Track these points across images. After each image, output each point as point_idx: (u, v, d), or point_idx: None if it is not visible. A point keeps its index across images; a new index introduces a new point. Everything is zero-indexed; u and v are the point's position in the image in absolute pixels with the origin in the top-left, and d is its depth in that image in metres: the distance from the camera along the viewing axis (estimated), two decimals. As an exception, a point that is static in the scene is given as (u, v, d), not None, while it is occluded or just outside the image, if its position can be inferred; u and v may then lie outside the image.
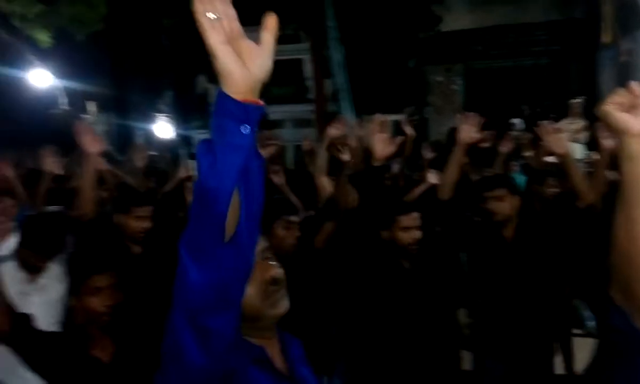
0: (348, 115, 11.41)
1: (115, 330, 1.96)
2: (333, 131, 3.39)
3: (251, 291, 1.14)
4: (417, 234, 2.74)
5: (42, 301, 2.62)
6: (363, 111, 14.59)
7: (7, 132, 13.96)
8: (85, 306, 1.89)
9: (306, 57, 17.88)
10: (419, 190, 4.00)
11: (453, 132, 12.38)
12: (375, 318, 2.71)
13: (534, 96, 12.91)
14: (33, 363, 1.90)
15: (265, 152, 2.51)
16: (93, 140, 3.10)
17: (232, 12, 0.88)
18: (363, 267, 2.76)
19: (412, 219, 2.74)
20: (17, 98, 13.38)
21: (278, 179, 4.04)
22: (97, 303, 1.89)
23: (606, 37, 9.29)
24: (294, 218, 2.66)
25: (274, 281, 1.17)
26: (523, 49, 13.48)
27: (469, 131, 3.03)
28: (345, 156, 3.04)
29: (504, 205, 2.92)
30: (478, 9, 13.50)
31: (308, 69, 18.30)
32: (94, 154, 3.10)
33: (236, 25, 0.87)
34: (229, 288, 0.91)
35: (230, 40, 0.86)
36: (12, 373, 2.29)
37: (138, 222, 2.96)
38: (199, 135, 18.99)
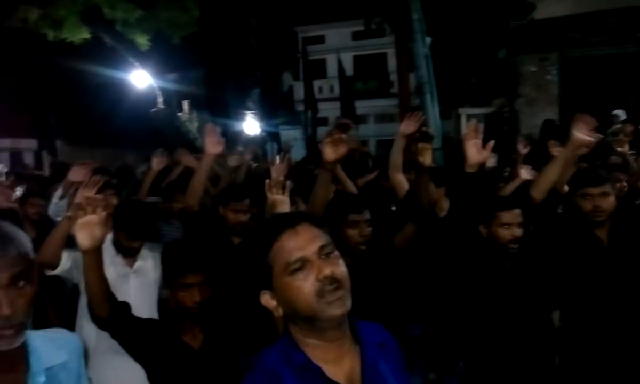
0: (432, 109, 11.15)
1: (205, 321, 2.07)
2: (407, 127, 3.09)
3: (306, 289, 1.10)
4: (517, 231, 2.59)
5: (139, 283, 2.83)
6: (448, 104, 14.24)
7: (112, 130, 15.12)
8: (177, 299, 2.03)
9: (390, 51, 17.72)
10: (512, 186, 3.82)
11: (547, 125, 11.80)
12: (476, 316, 2.63)
13: (639, 86, 11.88)
14: (130, 348, 2.06)
15: (337, 152, 2.43)
16: (216, 142, 3.24)
17: None
18: (462, 266, 2.67)
19: (513, 215, 2.60)
20: (120, 98, 14.45)
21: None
22: (188, 298, 2.00)
23: None
24: (360, 217, 2.55)
25: (332, 280, 1.10)
26: (626, 35, 12.44)
27: (582, 132, 2.74)
28: (423, 158, 2.82)
29: (609, 202, 2.69)
30: (575, -7, 12.67)
31: (392, 63, 18.12)
32: (213, 154, 3.26)
33: None
34: None
35: None
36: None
37: (236, 215, 3.10)
38: (285, 131, 19.47)
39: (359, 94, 19.31)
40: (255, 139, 15.97)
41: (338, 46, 19.49)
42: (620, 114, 9.29)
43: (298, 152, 16.32)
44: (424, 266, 3.21)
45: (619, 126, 8.57)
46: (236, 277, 2.48)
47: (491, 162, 5.91)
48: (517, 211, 2.62)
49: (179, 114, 14.90)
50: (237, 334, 2.15)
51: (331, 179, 2.55)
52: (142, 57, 13.45)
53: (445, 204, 3.52)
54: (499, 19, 13.30)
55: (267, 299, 1.17)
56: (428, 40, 11.24)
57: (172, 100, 14.71)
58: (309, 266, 1.11)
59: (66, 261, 2.66)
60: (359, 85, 21.77)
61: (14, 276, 1.11)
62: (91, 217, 1.76)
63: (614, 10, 12.37)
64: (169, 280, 2.09)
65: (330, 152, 2.40)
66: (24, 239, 1.18)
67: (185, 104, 14.98)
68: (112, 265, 2.75)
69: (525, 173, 3.82)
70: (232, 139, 15.77)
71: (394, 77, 18.42)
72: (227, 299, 2.44)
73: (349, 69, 19.62)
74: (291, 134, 19.38)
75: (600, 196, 2.68)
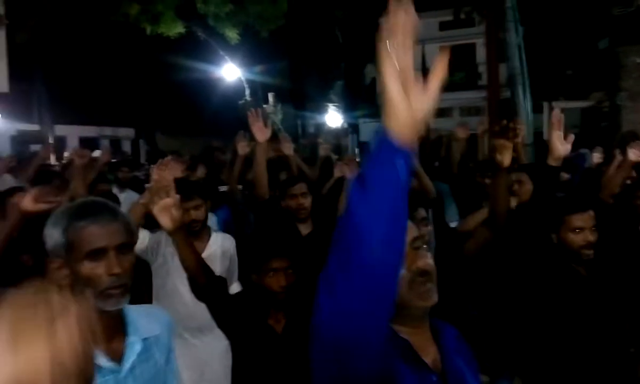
0: (523, 102, 10.61)
1: (288, 306, 2.12)
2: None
3: (400, 280, 1.11)
4: (590, 236, 2.32)
5: None
6: (541, 97, 13.49)
7: (203, 121, 15.85)
8: (264, 284, 2.08)
9: (479, 42, 17.06)
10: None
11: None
12: (548, 328, 2.43)
13: None
14: (221, 322, 2.17)
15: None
16: (261, 129, 3.29)
17: (410, 53, 0.87)
18: (533, 275, 2.45)
19: (583, 219, 2.33)
20: (210, 91, 15.09)
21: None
22: (274, 282, 2.05)
23: None
24: (422, 214, 2.45)
25: (423, 272, 1.14)
26: None
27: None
28: (501, 156, 2.46)
29: None
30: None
31: (481, 53, 17.44)
32: (263, 141, 3.32)
33: (411, 66, 0.87)
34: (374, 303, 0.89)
35: (402, 77, 0.86)
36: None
37: (294, 200, 3.12)
38: (365, 124, 19.40)
39: (445, 86, 18.82)
40: (335, 131, 16.07)
41: (424, 37, 19.07)
42: None
43: (379, 145, 16.21)
44: (489, 268, 3.05)
45: None
46: (308, 267, 2.51)
47: (597, 157, 5.55)
48: (589, 214, 2.35)
49: (265, 106, 15.30)
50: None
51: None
52: (232, 50, 13.93)
53: None
54: (601, 6, 12.38)
55: None
56: (521, 29, 10.72)
57: (258, 92, 15.13)
58: (408, 254, 1.14)
59: (142, 241, 2.72)
60: (445, 77, 21.19)
61: (122, 241, 1.26)
62: (166, 201, 1.84)
63: None
64: (256, 265, 2.14)
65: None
66: (127, 213, 1.35)
67: (271, 97, 15.35)
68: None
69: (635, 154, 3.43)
70: (315, 130, 16.00)
71: (482, 68, 17.74)
72: (305, 288, 2.48)
73: (435, 61, 19.18)
74: (371, 127, 19.30)
75: None
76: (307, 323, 2.08)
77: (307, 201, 3.13)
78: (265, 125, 3.33)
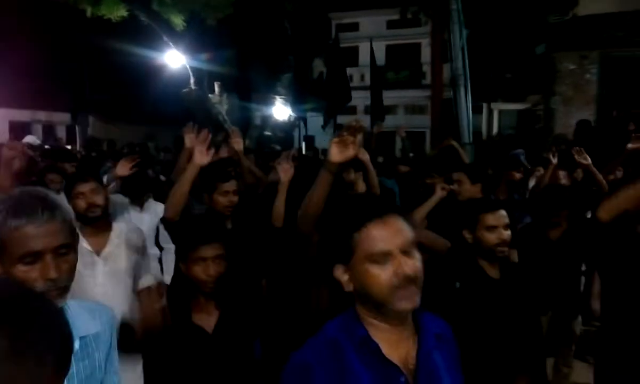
0: (464, 102, 10.95)
1: (221, 297, 2.03)
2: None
3: (383, 280, 1.16)
4: (504, 234, 2.42)
5: (109, 271, 2.54)
6: (481, 98, 13.97)
7: (144, 108, 15.34)
8: (191, 274, 1.99)
9: (424, 42, 17.45)
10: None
11: (582, 126, 11.51)
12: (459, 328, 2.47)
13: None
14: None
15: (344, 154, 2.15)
16: (202, 152, 2.88)
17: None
18: (447, 277, 2.52)
19: (496, 217, 2.43)
20: (153, 77, 14.61)
21: None
22: (202, 271, 1.96)
23: None
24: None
25: (409, 278, 1.16)
26: (673, 36, 11.95)
27: None
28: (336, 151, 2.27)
29: None
30: (621, -10, 12.18)
31: (426, 53, 17.85)
32: (200, 166, 2.91)
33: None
34: None
35: None
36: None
37: (224, 197, 3.09)
38: (312, 117, 19.42)
39: (390, 84, 19.10)
40: (282, 124, 16.00)
41: (372, 34, 19.29)
42: (661, 118, 8.97)
43: (324, 139, 16.26)
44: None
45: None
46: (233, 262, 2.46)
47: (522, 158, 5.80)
48: (502, 213, 2.46)
49: (210, 95, 14.98)
50: (255, 315, 2.11)
51: (332, 181, 2.22)
52: (176, 37, 13.54)
53: None
54: (539, 14, 12.94)
55: (341, 273, 1.23)
56: (465, 32, 11.03)
57: (204, 81, 14.80)
58: (391, 259, 1.17)
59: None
60: (391, 75, 21.53)
61: (61, 242, 1.18)
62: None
63: (661, 9, 11.89)
64: (183, 254, 2.04)
65: (336, 153, 2.14)
66: (69, 208, 1.24)
67: (217, 86, 15.05)
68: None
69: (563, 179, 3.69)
70: (262, 122, 15.83)
71: (426, 68, 18.16)
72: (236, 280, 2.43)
73: (381, 58, 19.41)
74: (319, 121, 19.34)
75: None
76: (241, 322, 2.02)
77: (235, 199, 3.13)
78: (208, 149, 2.90)
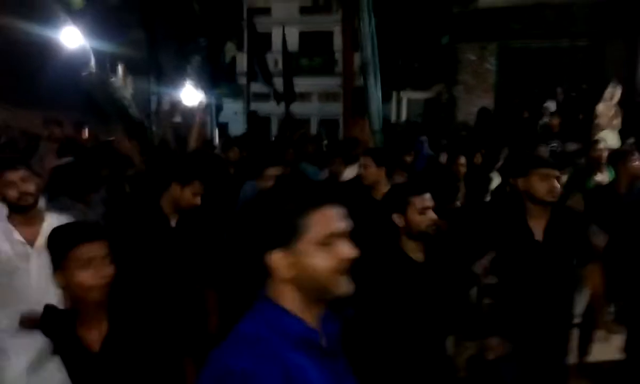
0: (375, 90, 11.18)
1: (112, 306, 1.73)
2: None
3: (329, 266, 1.17)
4: (433, 215, 2.52)
5: (42, 263, 2.39)
6: (391, 87, 14.36)
7: (39, 90, 14.18)
8: (73, 281, 1.68)
9: (337, 29, 17.58)
10: None
11: (482, 113, 12.19)
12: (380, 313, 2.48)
13: (571, 79, 12.45)
14: None
15: None
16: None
17: None
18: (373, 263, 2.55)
19: (426, 199, 2.51)
20: (49, 57, 13.54)
21: None
22: (87, 276, 1.66)
23: (651, 21, 8.83)
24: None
25: (351, 262, 1.19)
26: (562, 30, 12.94)
27: None
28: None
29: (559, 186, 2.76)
30: (518, -15, 12.98)
31: (338, 41, 18.01)
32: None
33: None
34: None
35: None
36: None
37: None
38: (226, 104, 19.00)
39: (304, 71, 19.10)
40: (192, 109, 15.47)
41: (284, 19, 19.15)
42: (551, 106, 9.70)
43: (237, 127, 15.96)
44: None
45: (547, 118, 8.97)
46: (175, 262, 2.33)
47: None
48: (429, 195, 2.55)
49: (113, 78, 14.15)
50: (151, 326, 1.79)
51: None
52: (75, 14, 12.62)
53: (384, 186, 3.55)
54: (443, 5, 13.47)
55: (279, 258, 1.18)
56: (374, 20, 11.23)
57: (106, 63, 13.95)
58: (340, 243, 1.18)
59: None
60: (304, 62, 21.54)
61: None
62: None
63: (551, 4, 12.82)
64: (59, 258, 1.68)
65: None
66: None
67: (120, 69, 14.25)
68: (8, 242, 2.44)
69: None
70: (170, 107, 15.20)
71: (339, 55, 18.36)
72: (151, 285, 2.26)
73: (294, 44, 19.36)
74: (232, 107, 18.94)
75: (556, 179, 2.76)
76: (137, 338, 1.71)
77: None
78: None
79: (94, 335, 1.69)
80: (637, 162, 3.86)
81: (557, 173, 2.79)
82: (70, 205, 3.61)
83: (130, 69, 14.39)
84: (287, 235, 1.17)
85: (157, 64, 15.09)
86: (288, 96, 11.29)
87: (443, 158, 5.33)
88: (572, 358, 3.09)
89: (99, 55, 13.66)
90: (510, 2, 13.16)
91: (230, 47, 21.65)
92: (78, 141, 6.43)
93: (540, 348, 2.83)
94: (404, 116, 16.27)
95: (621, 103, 8.55)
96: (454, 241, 3.42)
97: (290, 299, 1.18)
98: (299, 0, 20.66)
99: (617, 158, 4.05)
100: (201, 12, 16.45)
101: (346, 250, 1.18)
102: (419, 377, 2.45)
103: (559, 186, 2.77)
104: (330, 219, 1.18)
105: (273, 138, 11.45)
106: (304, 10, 21.12)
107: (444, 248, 2.65)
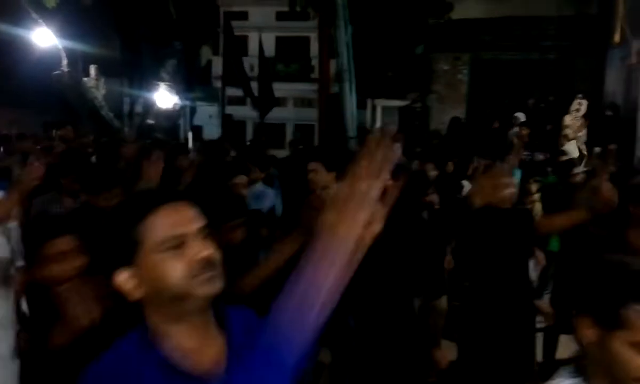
0: (350, 97, 11.29)
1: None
2: None
3: (178, 270, 1.05)
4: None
5: None
6: (365, 94, 14.50)
7: (9, 89, 13.85)
8: (47, 277, 1.70)
9: (313, 35, 17.67)
10: None
11: (454, 122, 12.39)
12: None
13: (540, 91, 12.80)
14: None
15: None
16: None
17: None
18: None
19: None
20: (20, 56, 13.25)
21: None
22: (59, 269, 1.68)
23: (617, 36, 9.16)
24: None
25: (206, 262, 1.06)
26: (532, 43, 13.31)
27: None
28: None
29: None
30: (490, -2, 13.31)
31: (314, 47, 18.10)
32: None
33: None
34: None
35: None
36: None
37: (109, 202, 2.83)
38: (201, 107, 18.87)
39: (280, 76, 19.10)
40: (167, 112, 15.35)
41: (261, 25, 19.15)
42: (520, 116, 9.95)
43: (212, 130, 15.88)
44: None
45: (517, 128, 9.19)
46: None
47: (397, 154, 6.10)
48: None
49: (85, 79, 13.93)
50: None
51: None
52: (47, 14, 12.41)
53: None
54: (418, 15, 13.68)
55: (126, 279, 1.07)
56: (350, 28, 11.34)
57: (79, 63, 13.73)
58: (186, 245, 1.06)
59: None
60: (281, 67, 21.55)
61: None
62: None
63: (522, 17, 13.17)
64: (32, 255, 1.73)
65: None
66: None
67: (93, 69, 14.03)
68: None
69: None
70: (143, 109, 15.05)
71: (315, 62, 18.43)
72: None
73: (271, 50, 19.33)
74: (207, 111, 18.83)
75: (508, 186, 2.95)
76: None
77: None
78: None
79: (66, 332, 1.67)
80: (579, 176, 4.01)
81: (509, 180, 2.95)
82: (58, 200, 3.58)
83: (103, 71, 14.16)
84: (127, 251, 1.07)
85: (131, 66, 14.93)
86: (267, 101, 11.27)
87: (415, 165, 5.41)
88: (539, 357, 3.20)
89: (71, 55, 13.46)
90: (482, 14, 13.47)
91: (205, 51, 21.55)
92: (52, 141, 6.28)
93: (508, 348, 2.92)
94: (378, 124, 16.44)
95: (588, 115, 8.84)
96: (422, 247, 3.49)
97: (155, 322, 1.09)
98: (276, 6, 20.69)
99: (562, 170, 4.21)
100: (177, 16, 16.35)
101: (195, 250, 1.06)
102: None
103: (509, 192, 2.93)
104: (170, 220, 1.07)
105: (248, 142, 11.41)
106: (280, 16, 21.13)
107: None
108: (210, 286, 1.06)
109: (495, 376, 2.93)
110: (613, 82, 11.42)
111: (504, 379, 2.92)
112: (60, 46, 12.90)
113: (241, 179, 3.78)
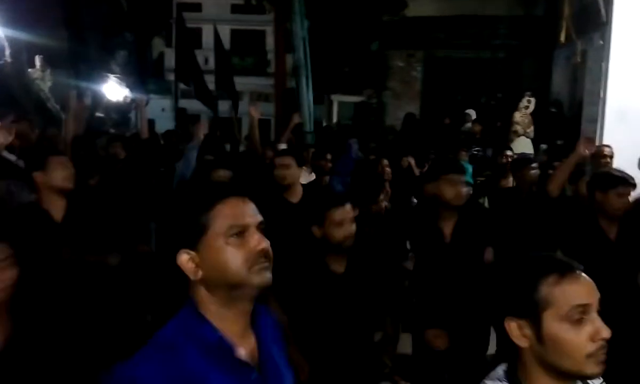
0: (306, 92, 11.26)
1: (16, 309, 1.61)
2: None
3: (239, 258, 1.14)
4: (350, 228, 2.48)
5: None
6: (322, 89, 14.53)
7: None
8: None
9: (269, 29, 17.53)
10: None
11: (408, 118, 12.58)
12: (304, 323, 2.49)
13: (490, 89, 13.17)
14: None
15: None
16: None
17: None
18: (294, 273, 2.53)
19: (343, 212, 2.47)
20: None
21: None
22: None
23: (562, 36, 9.52)
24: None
25: (265, 254, 1.16)
26: (483, 42, 13.65)
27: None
28: None
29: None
30: (444, -3, 13.55)
31: (270, 41, 17.97)
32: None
33: None
34: None
35: None
36: None
37: None
38: (152, 100, 18.38)
39: (236, 70, 18.85)
40: (116, 106, 14.87)
41: (215, 17, 18.82)
42: (472, 113, 10.21)
43: (165, 124, 15.49)
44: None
45: (469, 124, 9.43)
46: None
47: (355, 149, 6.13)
48: (348, 207, 2.50)
49: (30, 70, 13.31)
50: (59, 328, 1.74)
51: None
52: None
53: (299, 188, 3.62)
54: (374, 12, 13.79)
55: (186, 260, 1.15)
56: (306, 23, 11.30)
57: (23, 54, 13.09)
58: (249, 235, 1.15)
59: None
60: (236, 61, 21.27)
61: None
62: None
63: (475, 16, 13.48)
64: None
65: None
66: None
67: (38, 60, 13.42)
68: None
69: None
70: (92, 102, 14.51)
71: (271, 56, 18.30)
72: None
73: (226, 43, 19.03)
74: (160, 104, 18.38)
75: (463, 184, 2.96)
76: (43, 344, 1.62)
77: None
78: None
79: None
80: (534, 171, 4.13)
81: (463, 178, 3.00)
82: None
83: (49, 61, 13.56)
84: (192, 235, 1.15)
85: (79, 57, 14.36)
86: (228, 94, 11.01)
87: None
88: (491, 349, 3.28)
89: (15, 44, 12.80)
90: (436, 12, 13.71)
91: (157, 43, 21.00)
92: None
93: (461, 341, 2.99)
94: (334, 119, 16.51)
95: (535, 113, 9.16)
96: (380, 242, 3.53)
97: (206, 304, 1.16)
98: (231, -2, 20.43)
99: (517, 166, 4.32)
100: (128, 5, 15.86)
101: (255, 241, 1.15)
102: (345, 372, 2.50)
103: (465, 190, 3.00)
104: (236, 211, 1.16)
105: (203, 136, 11.18)
106: (235, 9, 20.85)
107: (368, 252, 2.70)
108: (264, 276, 1.16)
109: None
110: (559, 81, 11.87)
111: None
112: (2, 35, 12.26)
113: (225, 173, 3.60)
